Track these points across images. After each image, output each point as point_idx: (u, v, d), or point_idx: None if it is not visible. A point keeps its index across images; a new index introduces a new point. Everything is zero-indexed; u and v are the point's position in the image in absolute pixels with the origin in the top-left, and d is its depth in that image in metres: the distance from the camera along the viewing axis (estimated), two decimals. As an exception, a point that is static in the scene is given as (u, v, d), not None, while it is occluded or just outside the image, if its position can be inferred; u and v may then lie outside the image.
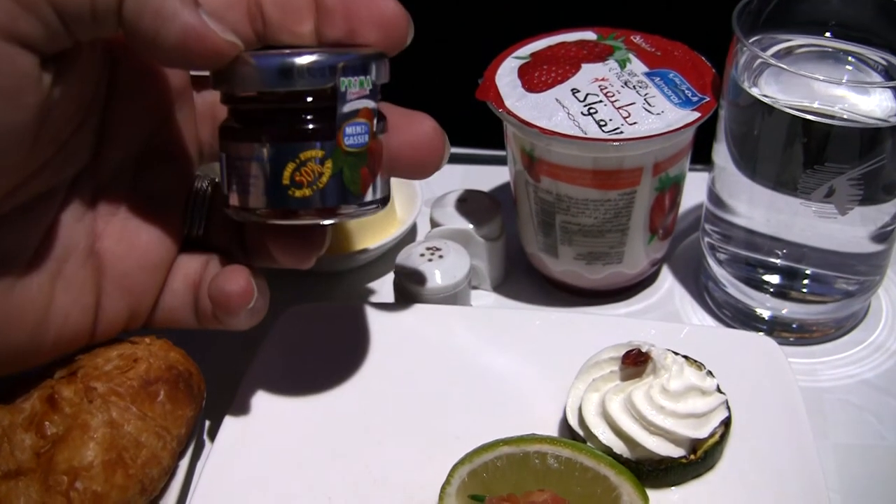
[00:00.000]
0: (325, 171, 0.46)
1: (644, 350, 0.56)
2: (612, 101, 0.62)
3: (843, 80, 0.61)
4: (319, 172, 0.46)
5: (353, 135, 0.47)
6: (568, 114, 0.62)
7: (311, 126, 0.46)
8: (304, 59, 0.45)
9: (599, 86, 0.64)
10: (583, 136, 0.61)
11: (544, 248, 0.69)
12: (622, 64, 0.66)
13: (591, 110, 0.62)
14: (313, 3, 0.49)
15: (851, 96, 0.59)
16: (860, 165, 0.57)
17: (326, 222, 0.50)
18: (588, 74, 0.65)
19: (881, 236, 0.62)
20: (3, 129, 0.42)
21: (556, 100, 0.63)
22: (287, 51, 0.47)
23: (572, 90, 0.63)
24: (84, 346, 0.52)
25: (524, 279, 0.73)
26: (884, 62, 0.61)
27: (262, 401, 0.58)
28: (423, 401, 0.59)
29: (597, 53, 0.67)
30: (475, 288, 0.72)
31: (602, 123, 0.61)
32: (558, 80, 0.64)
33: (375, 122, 0.48)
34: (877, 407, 0.62)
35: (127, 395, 0.50)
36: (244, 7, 0.49)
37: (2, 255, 0.47)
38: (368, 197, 0.48)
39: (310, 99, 0.46)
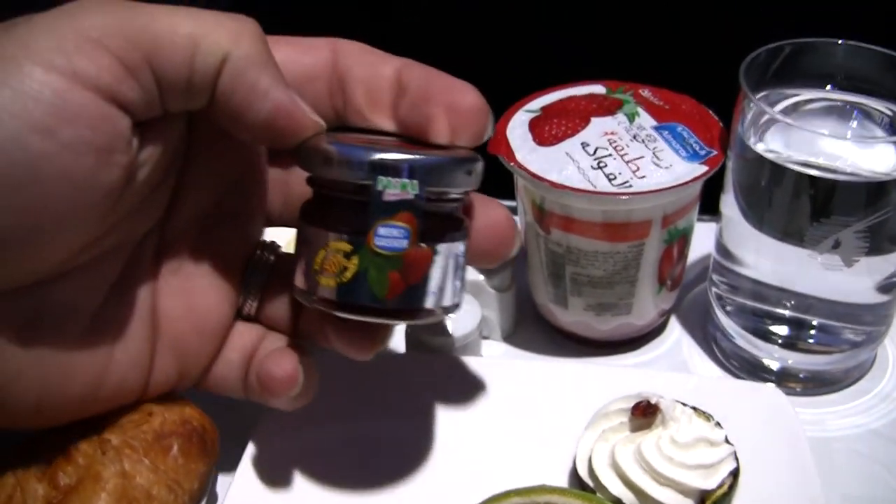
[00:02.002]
0: (349, 265, 0.45)
1: (653, 402, 0.56)
2: (621, 155, 0.63)
3: (848, 136, 0.62)
4: (344, 266, 0.45)
5: (387, 237, 0.45)
6: (578, 167, 0.63)
7: (345, 218, 0.46)
8: (343, 150, 0.45)
9: (609, 139, 0.64)
10: (592, 189, 0.61)
11: (554, 299, 0.69)
12: (631, 118, 0.66)
13: (601, 164, 0.63)
14: (396, 86, 0.48)
15: (856, 151, 0.60)
16: (865, 218, 0.58)
17: (346, 317, 0.48)
18: (598, 128, 0.66)
19: (887, 287, 0.63)
20: (90, 186, 0.42)
21: (566, 153, 0.64)
22: (350, 136, 0.47)
23: (582, 144, 0.64)
24: (135, 401, 0.52)
25: (534, 329, 0.74)
26: (889, 114, 0.62)
27: (273, 453, 0.59)
28: (433, 450, 0.60)
29: (606, 107, 0.67)
30: (486, 338, 0.72)
31: (611, 177, 0.62)
32: (568, 134, 0.65)
33: (418, 228, 0.45)
34: (885, 457, 0.62)
35: (140, 448, 0.51)
36: (325, 82, 0.49)
37: (66, 310, 0.47)
38: (398, 304, 0.46)
39: (351, 191, 0.45)
